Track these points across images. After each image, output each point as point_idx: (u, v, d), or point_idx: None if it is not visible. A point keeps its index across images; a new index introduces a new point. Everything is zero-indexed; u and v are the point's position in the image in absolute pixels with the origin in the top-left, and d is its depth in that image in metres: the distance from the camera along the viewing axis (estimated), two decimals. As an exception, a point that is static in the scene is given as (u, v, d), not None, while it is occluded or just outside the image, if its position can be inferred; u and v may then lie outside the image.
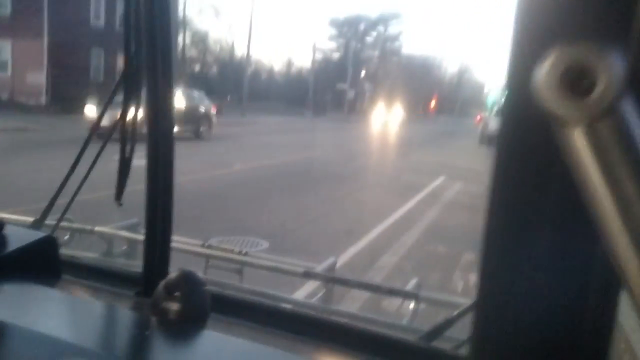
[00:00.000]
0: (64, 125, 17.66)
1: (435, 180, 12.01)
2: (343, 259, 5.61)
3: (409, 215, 8.25)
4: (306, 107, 43.67)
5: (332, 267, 1.47)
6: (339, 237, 6.60)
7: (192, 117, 15.67)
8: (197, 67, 46.81)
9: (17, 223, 1.38)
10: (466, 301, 1.18)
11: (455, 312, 1.12)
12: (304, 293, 3.98)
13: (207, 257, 1.55)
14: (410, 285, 1.45)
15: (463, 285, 5.18)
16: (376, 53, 60.83)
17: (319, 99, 46.92)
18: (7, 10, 24.13)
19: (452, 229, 7.66)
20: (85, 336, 0.91)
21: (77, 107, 22.92)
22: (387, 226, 7.42)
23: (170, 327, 0.89)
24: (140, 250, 1.68)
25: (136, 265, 1.47)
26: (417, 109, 63.20)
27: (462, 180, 12.47)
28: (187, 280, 0.91)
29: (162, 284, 0.91)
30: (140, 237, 1.62)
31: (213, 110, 18.07)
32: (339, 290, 1.46)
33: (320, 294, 1.44)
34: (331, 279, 1.40)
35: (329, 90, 49.83)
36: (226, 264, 1.54)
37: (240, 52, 48.20)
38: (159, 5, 1.13)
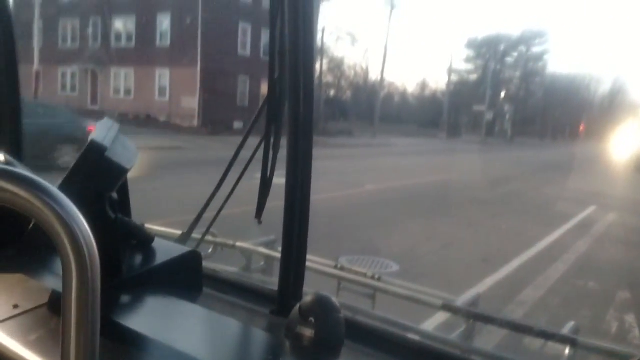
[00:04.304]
0: (213, 146, 19.22)
1: (584, 210, 10.95)
2: (478, 289, 5.29)
3: (555, 247, 7.58)
4: (439, 129, 42.81)
5: (475, 302, 1.34)
6: (475, 265, 6.26)
7: None
8: (332, 92, 48.33)
9: (165, 235, 1.46)
10: (635, 351, 1.00)
11: None
12: (435, 323, 3.81)
13: (340, 279, 1.51)
14: (567, 328, 1.27)
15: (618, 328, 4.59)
16: (517, 74, 57.82)
17: (453, 121, 45.77)
18: (167, 41, 27.10)
19: (604, 264, 6.89)
20: (219, 356, 0.91)
21: (224, 129, 24.89)
22: (530, 256, 6.89)
23: (303, 354, 0.85)
24: (276, 266, 1.70)
25: (272, 282, 1.47)
26: (562, 132, 58.73)
27: (615, 211, 11.24)
28: (322, 306, 0.87)
29: (296, 307, 0.88)
30: (277, 254, 1.64)
31: None
32: (480, 327, 1.33)
33: (460, 330, 1.32)
34: (474, 315, 1.27)
35: (465, 112, 48.34)
36: (359, 287, 1.49)
37: (374, 76, 48.94)
38: (302, 34, 1.13)
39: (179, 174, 11.13)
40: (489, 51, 55.77)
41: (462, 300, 1.34)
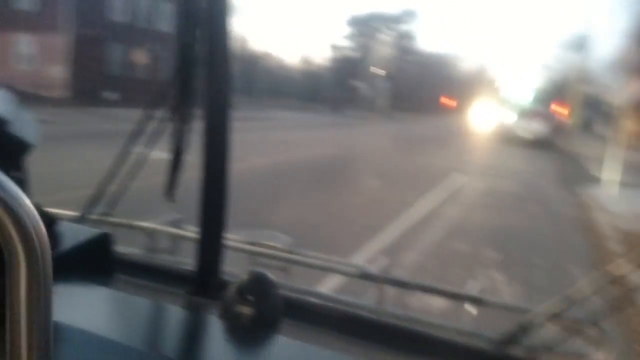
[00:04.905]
0: (84, 119, 17.86)
1: (455, 178, 11.91)
2: (365, 255, 5.55)
3: (430, 212, 8.16)
4: (323, 104, 43.68)
5: (387, 268, 1.40)
6: (360, 232, 6.55)
7: None
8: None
9: (61, 217, 1.33)
10: (535, 307, 1.12)
11: (529, 318, 1.06)
12: (328, 287, 3.95)
13: (251, 253, 1.48)
14: (472, 288, 1.37)
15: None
16: (392, 51, 60.57)
17: (335, 96, 46.91)
18: (32, 6, 24.42)
19: (472, 226, 7.57)
20: (146, 340, 0.86)
21: (96, 100, 23.20)
22: (406, 221, 7.35)
23: (242, 332, 0.83)
24: (183, 246, 1.63)
25: (181, 262, 1.42)
26: (435, 107, 62.85)
27: (482, 178, 12.35)
28: (261, 283, 0.85)
29: (234, 286, 0.86)
30: (185, 233, 1.57)
31: None
32: (393, 291, 1.40)
33: (375, 295, 1.38)
34: (389, 281, 1.33)
35: (346, 88, 49.76)
36: (272, 261, 1.48)
37: (256, 48, 48.23)
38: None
39: (51, 151, 10.20)
40: (367, 29, 57.67)
41: (375, 267, 1.39)
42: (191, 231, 1.56)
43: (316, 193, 9.01)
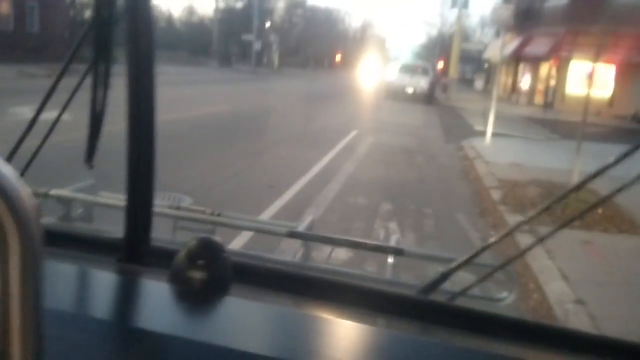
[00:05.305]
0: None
1: (348, 134, 12.27)
2: (269, 213, 5.61)
3: (327, 169, 8.37)
4: (211, 58, 42.16)
5: (311, 226, 1.45)
6: (263, 191, 6.58)
7: None
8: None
9: None
10: (452, 256, 1.22)
11: (451, 266, 1.14)
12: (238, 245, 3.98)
13: (176, 218, 1.46)
14: (393, 241, 1.47)
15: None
16: (281, 4, 59.55)
17: (223, 50, 45.40)
18: None
19: (368, 180, 7.92)
20: (87, 307, 0.85)
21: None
22: (308, 178, 7.50)
23: (194, 296, 0.84)
24: (98, 213, 1.55)
25: (104, 230, 1.36)
26: (322, 63, 63.27)
27: (372, 134, 12.83)
28: (210, 247, 0.86)
29: (183, 252, 0.85)
30: (101, 199, 1.50)
31: None
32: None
33: (300, 253, 1.43)
34: (316, 238, 1.38)
35: (234, 41, 48.29)
36: (198, 225, 1.47)
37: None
38: None
39: None
40: (253, -22, 55.85)
41: (302, 225, 1.43)
42: (109, 197, 1.49)
43: (214, 153, 8.84)
